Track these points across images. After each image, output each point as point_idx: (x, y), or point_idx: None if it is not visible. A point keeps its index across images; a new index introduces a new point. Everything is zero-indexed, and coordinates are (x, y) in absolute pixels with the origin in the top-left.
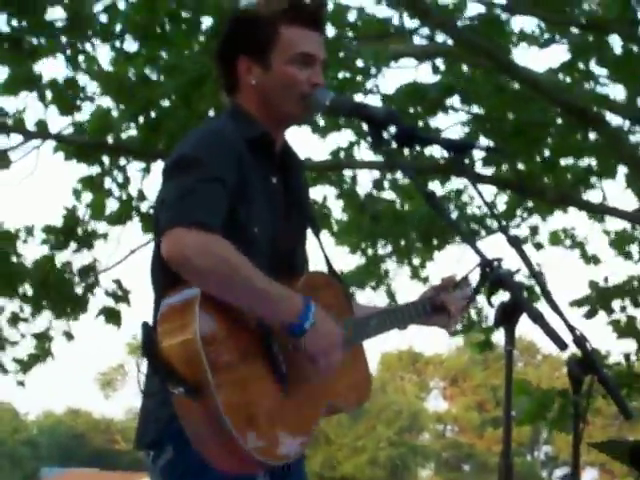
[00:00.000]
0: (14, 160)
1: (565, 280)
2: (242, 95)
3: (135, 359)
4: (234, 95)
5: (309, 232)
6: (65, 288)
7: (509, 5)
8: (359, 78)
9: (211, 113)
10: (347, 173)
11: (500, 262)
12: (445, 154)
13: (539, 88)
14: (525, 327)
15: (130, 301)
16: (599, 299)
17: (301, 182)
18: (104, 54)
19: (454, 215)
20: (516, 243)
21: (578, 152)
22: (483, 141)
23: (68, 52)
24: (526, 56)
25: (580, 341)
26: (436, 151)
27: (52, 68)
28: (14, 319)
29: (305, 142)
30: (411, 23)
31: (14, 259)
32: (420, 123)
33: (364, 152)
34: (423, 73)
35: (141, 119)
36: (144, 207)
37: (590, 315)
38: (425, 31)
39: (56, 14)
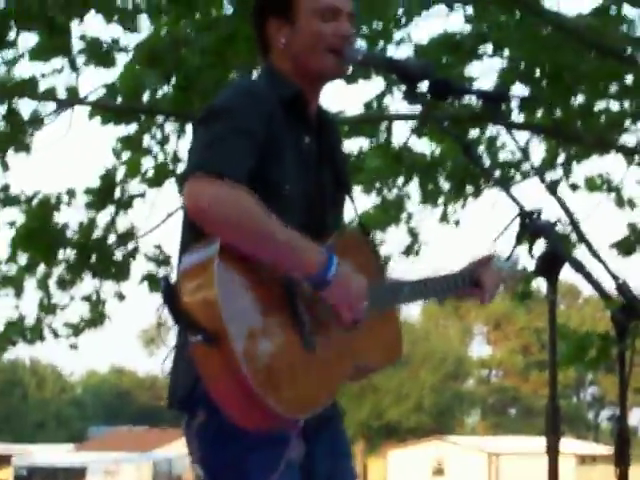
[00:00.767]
0: (47, 125)
1: (597, 225)
2: (275, 56)
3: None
4: (268, 57)
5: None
6: (106, 253)
7: None
8: (391, 26)
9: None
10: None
11: (540, 213)
12: (481, 103)
13: (572, 32)
14: (565, 271)
15: (172, 265)
16: (638, 240)
17: (335, 143)
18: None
19: (488, 162)
20: (553, 189)
21: (613, 95)
22: (517, 88)
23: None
24: (558, 2)
25: (623, 288)
26: (472, 99)
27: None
28: (61, 282)
29: (336, 93)
30: None
31: (57, 222)
32: (454, 73)
33: (397, 102)
34: (454, 22)
35: (173, 80)
36: (179, 169)
37: (628, 253)
38: None
39: None
